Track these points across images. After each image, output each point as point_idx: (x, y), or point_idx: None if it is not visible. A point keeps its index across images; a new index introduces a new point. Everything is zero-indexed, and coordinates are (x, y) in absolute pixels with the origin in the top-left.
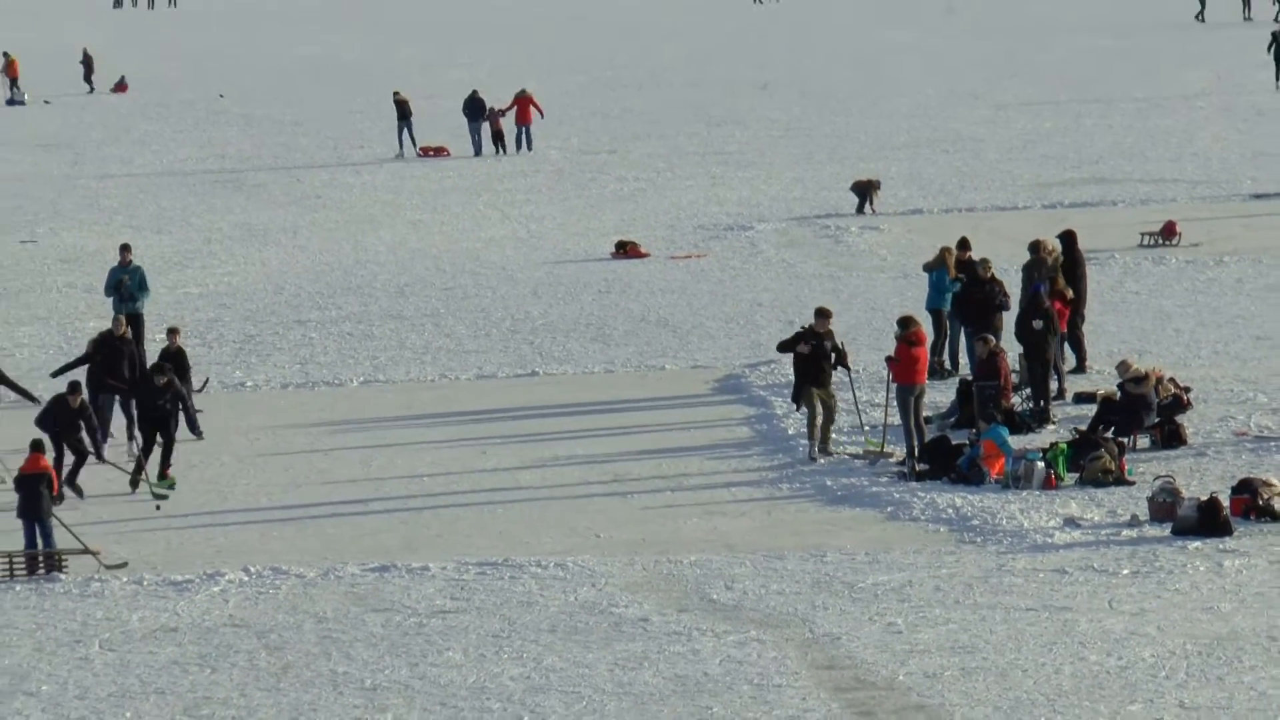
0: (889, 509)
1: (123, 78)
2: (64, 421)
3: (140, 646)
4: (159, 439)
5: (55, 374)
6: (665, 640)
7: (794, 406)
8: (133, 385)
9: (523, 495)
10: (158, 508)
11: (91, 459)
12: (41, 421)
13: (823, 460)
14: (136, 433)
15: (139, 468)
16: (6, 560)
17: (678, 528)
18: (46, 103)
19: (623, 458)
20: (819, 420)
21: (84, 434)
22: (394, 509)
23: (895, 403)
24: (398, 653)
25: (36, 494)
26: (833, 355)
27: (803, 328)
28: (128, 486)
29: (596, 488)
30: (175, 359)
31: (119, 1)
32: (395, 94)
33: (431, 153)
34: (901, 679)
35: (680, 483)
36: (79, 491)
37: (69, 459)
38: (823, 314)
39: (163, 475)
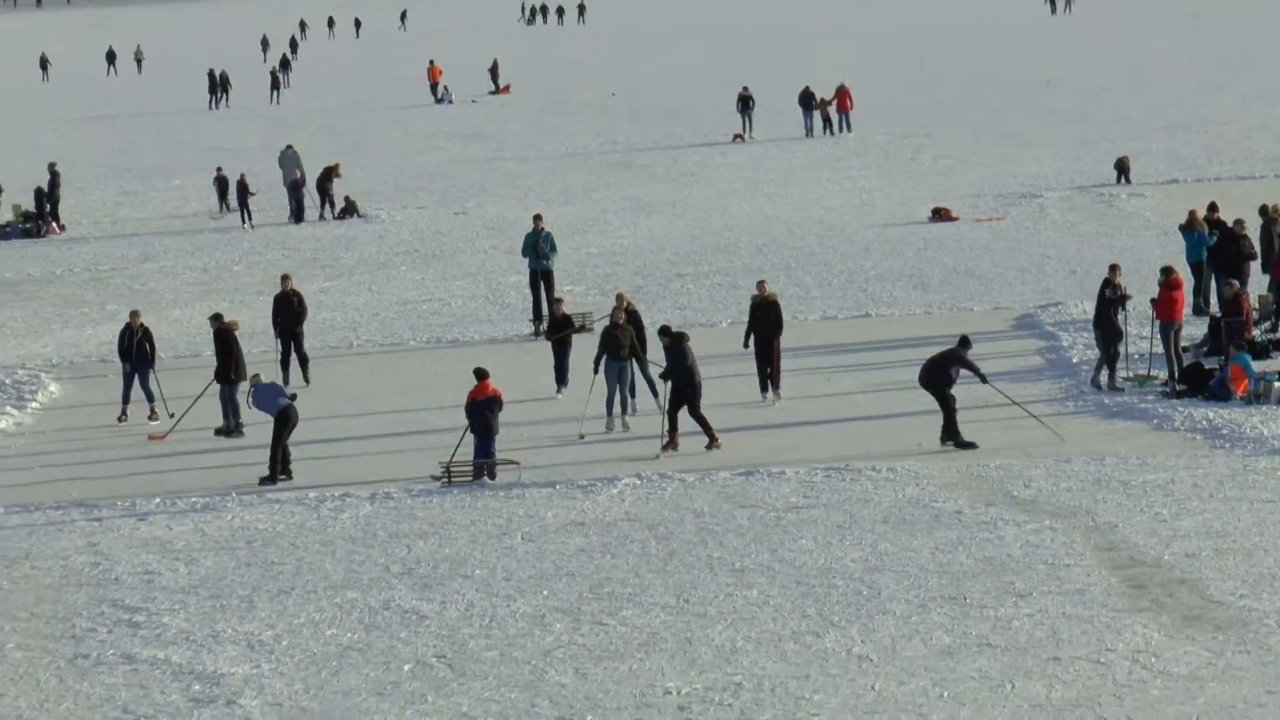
0: (1154, 421)
1: (502, 85)
2: None
3: (554, 538)
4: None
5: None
6: (976, 529)
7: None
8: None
9: (860, 413)
10: (581, 436)
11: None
12: None
13: (1106, 385)
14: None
15: None
16: (445, 468)
17: (984, 438)
18: (473, 102)
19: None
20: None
21: None
22: (756, 425)
23: (1159, 336)
24: (761, 541)
25: (486, 416)
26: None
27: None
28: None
29: (919, 406)
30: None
31: (531, 19)
32: (744, 89)
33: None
34: (1166, 558)
35: (985, 401)
36: None
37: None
38: (1113, 268)
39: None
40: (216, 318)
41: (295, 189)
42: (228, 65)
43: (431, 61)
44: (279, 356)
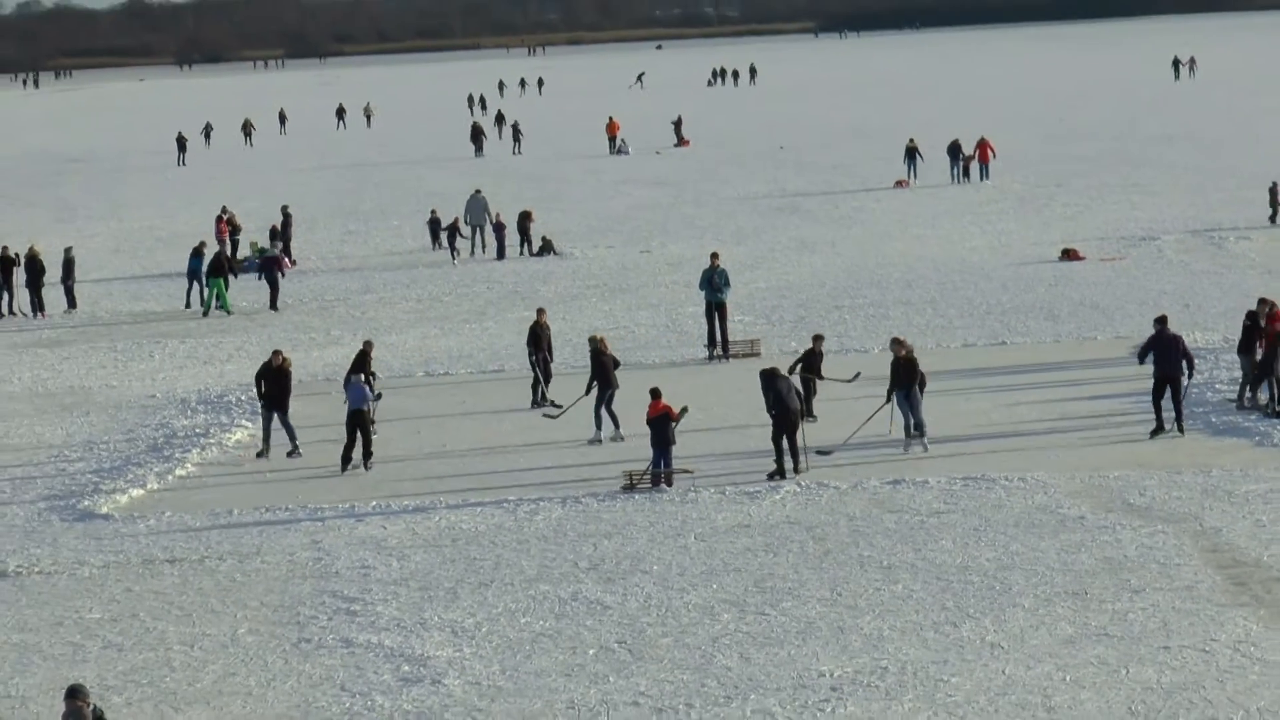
0: (1257, 438)
1: (684, 138)
2: None
3: (723, 538)
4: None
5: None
6: (1097, 532)
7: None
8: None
9: (994, 429)
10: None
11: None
12: None
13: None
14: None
15: None
16: (629, 476)
17: (1106, 451)
18: (658, 153)
19: (1066, 401)
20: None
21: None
22: (902, 439)
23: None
24: (906, 541)
25: (664, 430)
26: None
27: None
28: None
29: (1048, 424)
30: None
31: (711, 81)
32: (910, 141)
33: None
34: (1266, 559)
35: (1107, 420)
36: None
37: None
38: (1262, 301)
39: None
40: (277, 354)
41: (498, 230)
42: (446, 121)
43: (610, 117)
44: (541, 381)
